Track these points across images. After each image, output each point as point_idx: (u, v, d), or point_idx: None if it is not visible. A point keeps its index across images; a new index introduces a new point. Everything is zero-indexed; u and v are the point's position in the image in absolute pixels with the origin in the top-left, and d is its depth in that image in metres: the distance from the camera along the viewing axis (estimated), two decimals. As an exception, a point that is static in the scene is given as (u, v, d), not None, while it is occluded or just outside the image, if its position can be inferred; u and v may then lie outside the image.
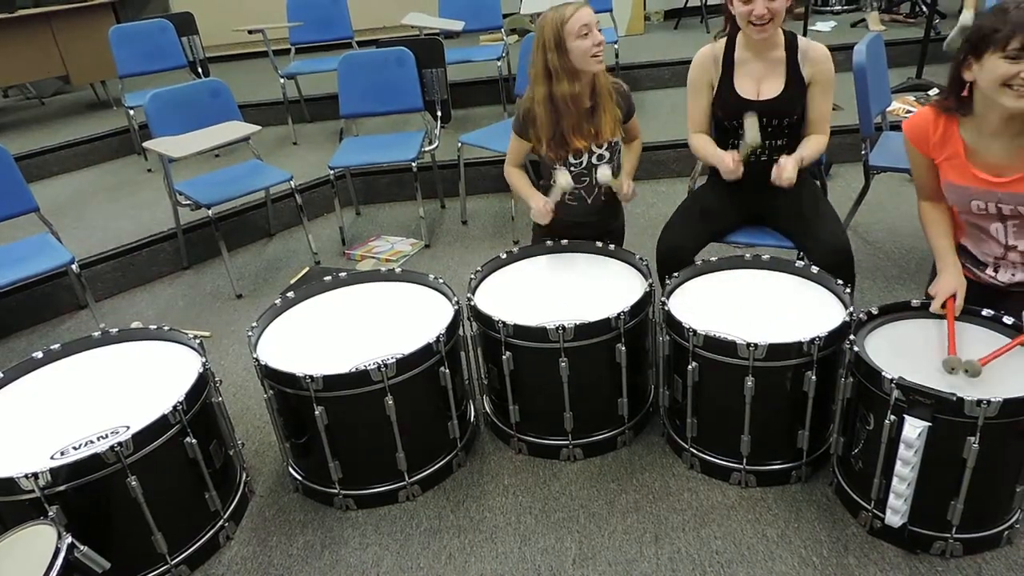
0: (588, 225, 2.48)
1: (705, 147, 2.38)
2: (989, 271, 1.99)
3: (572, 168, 2.38)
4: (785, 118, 2.27)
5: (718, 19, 6.25)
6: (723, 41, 2.31)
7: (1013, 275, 1.96)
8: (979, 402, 1.56)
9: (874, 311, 1.92)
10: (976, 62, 1.74)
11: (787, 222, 2.34)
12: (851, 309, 1.93)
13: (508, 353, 2.08)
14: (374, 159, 3.73)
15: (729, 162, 2.24)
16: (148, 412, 1.79)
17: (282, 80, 4.89)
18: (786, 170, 2.17)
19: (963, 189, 1.88)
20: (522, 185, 2.47)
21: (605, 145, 2.37)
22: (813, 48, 2.24)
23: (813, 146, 2.29)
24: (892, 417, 1.68)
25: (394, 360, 1.92)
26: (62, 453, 1.76)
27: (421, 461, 2.11)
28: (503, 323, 2.03)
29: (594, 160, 2.38)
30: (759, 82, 2.27)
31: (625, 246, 2.40)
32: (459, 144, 3.77)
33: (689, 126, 2.44)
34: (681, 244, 2.30)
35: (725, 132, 2.37)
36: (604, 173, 2.32)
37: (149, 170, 4.67)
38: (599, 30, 2.23)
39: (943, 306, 1.88)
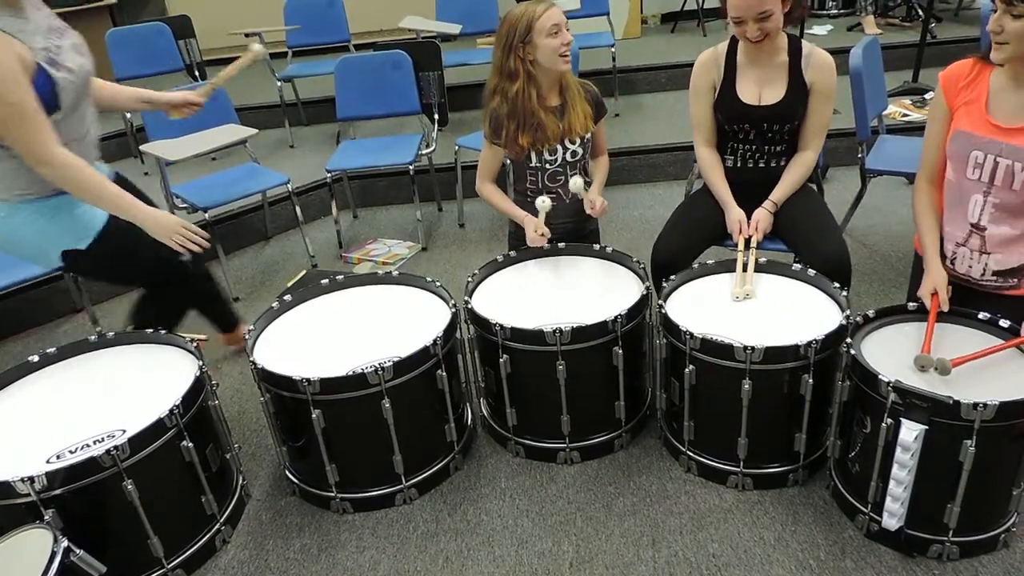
0: (563, 228, 2.48)
1: (715, 178, 2.39)
2: (949, 264, 2.00)
3: (548, 166, 2.40)
4: (787, 124, 2.28)
5: (715, 22, 6.30)
6: (724, 45, 2.31)
7: (970, 267, 1.96)
8: (976, 405, 1.56)
9: (870, 314, 1.93)
10: None
11: (785, 230, 2.33)
12: (847, 312, 1.94)
13: (505, 356, 2.08)
14: (371, 162, 3.74)
15: (735, 225, 2.29)
16: (144, 416, 1.79)
17: (279, 83, 4.89)
18: (763, 228, 2.27)
19: (969, 136, 1.88)
20: (505, 204, 2.46)
21: (578, 141, 2.38)
22: (817, 54, 2.24)
23: (793, 179, 2.32)
24: (889, 420, 1.69)
25: (391, 363, 1.92)
26: (58, 457, 1.75)
27: (418, 464, 2.11)
28: (500, 326, 2.03)
29: (568, 157, 2.39)
30: (761, 87, 2.27)
31: (621, 249, 2.40)
32: (456, 147, 3.78)
33: (694, 133, 2.43)
34: (677, 254, 2.29)
35: (726, 136, 2.37)
36: (576, 183, 2.30)
37: (146, 173, 4.66)
38: (567, 30, 2.25)
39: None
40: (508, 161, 2.49)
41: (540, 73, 2.28)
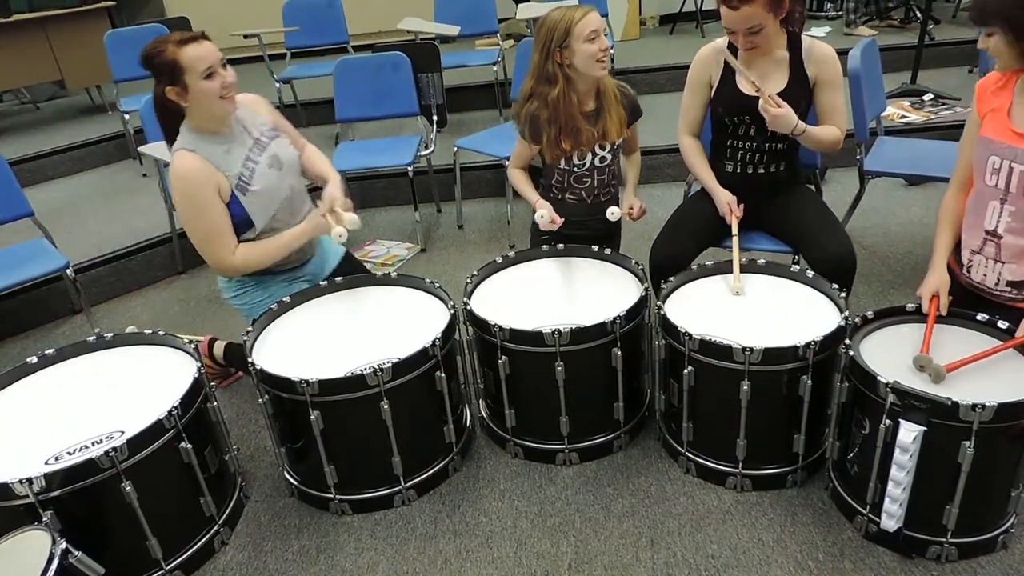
0: (587, 226, 2.48)
1: (698, 164, 2.40)
2: (965, 272, 2.00)
3: (575, 169, 2.39)
4: None
5: (713, 24, 6.30)
6: (725, 40, 2.31)
7: (985, 275, 1.95)
8: (974, 406, 1.57)
9: (869, 315, 1.93)
10: None
11: (789, 231, 2.33)
12: (846, 313, 1.94)
13: (504, 357, 2.08)
14: (370, 163, 3.74)
15: (725, 207, 2.29)
16: (143, 417, 1.79)
17: (278, 84, 4.89)
18: (780, 112, 2.12)
19: (989, 142, 1.88)
20: (526, 188, 2.45)
21: (608, 147, 2.38)
22: (818, 48, 2.23)
23: (823, 131, 2.24)
24: (887, 421, 1.69)
25: (390, 364, 1.92)
26: (56, 458, 1.75)
27: (417, 466, 2.11)
28: (499, 327, 2.03)
29: (596, 162, 2.39)
30: (762, 79, 2.26)
31: (620, 250, 2.40)
32: (455, 148, 3.78)
33: (680, 123, 2.44)
34: (675, 255, 2.29)
35: (725, 128, 2.36)
36: (613, 212, 2.31)
37: (144, 175, 4.67)
38: (604, 35, 2.25)
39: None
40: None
41: (577, 77, 2.27)
